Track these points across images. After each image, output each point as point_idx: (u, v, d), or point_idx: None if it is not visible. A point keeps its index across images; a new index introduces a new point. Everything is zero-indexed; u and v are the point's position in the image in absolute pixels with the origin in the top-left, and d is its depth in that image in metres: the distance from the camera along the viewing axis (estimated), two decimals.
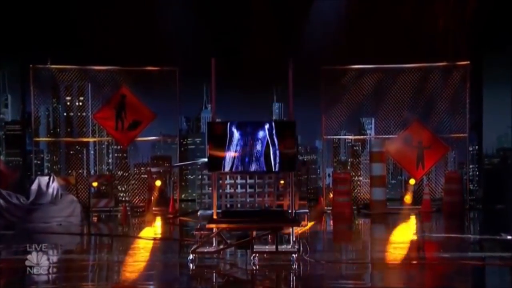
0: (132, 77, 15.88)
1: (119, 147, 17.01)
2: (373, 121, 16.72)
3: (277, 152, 8.15)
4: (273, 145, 8.16)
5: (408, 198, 15.24)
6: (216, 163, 8.22)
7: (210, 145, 8.25)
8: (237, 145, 8.18)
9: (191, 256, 8.23)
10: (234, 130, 8.20)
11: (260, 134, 8.20)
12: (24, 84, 16.00)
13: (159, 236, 12.11)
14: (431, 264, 8.79)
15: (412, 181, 15.63)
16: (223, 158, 8.19)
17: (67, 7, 15.30)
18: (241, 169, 8.19)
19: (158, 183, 15.78)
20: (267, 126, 8.21)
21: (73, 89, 16.44)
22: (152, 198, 15.39)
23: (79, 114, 16.44)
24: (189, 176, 19.14)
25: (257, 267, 8.07)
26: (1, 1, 14.95)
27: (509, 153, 17.28)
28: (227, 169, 8.23)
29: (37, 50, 15.53)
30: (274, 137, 8.17)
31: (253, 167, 8.18)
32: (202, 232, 8.59)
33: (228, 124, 8.23)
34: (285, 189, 8.59)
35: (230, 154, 8.17)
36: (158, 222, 14.15)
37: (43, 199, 13.25)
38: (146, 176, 16.06)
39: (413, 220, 13.91)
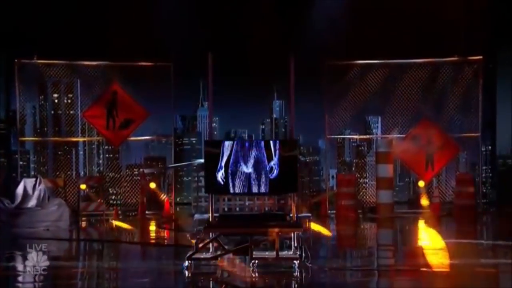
0: (124, 73, 15.87)
1: (110, 147, 16.99)
2: (379, 119, 16.71)
3: (278, 172, 8.16)
4: (273, 164, 8.16)
5: (425, 201, 15.21)
6: (213, 184, 8.23)
7: (206, 164, 8.27)
8: (235, 165, 8.18)
9: (186, 263, 8.22)
10: (232, 148, 8.20)
11: (260, 152, 8.20)
12: (9, 80, 15.98)
13: (153, 241, 12.10)
14: (440, 271, 8.78)
15: (421, 184, 15.61)
16: (221, 179, 8.19)
17: None
18: (240, 191, 8.21)
19: (152, 185, 15.77)
20: (267, 145, 8.21)
21: (61, 86, 16.41)
22: (145, 201, 15.39)
23: (67, 112, 16.42)
24: (185, 178, 19.12)
25: (257, 274, 8.06)
26: None
27: None
28: (225, 190, 8.25)
29: (22, 43, 15.51)
30: (275, 156, 8.18)
31: (253, 188, 8.20)
32: (198, 237, 8.58)
33: (225, 142, 8.24)
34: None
35: (228, 175, 8.17)
36: (152, 226, 14.14)
37: (29, 203, 13.24)
38: (139, 178, 16.05)
39: (421, 224, 13.91)
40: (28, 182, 13.47)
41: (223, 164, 8.24)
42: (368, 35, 15.30)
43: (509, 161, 17.45)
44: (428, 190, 15.79)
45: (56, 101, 16.55)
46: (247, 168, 8.19)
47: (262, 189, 8.22)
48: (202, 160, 8.61)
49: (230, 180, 8.22)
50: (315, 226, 13.13)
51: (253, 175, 8.20)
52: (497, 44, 15.97)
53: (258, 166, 8.21)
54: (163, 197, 15.65)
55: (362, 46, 15.49)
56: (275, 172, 8.21)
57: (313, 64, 15.33)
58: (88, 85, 16.14)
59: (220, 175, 8.22)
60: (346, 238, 12.70)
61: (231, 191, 8.24)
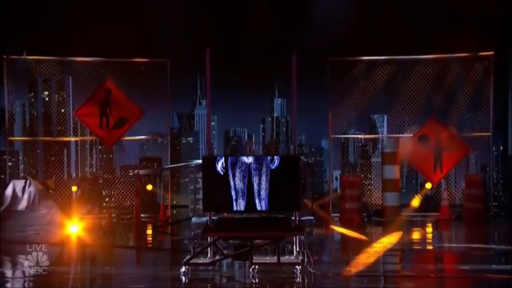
0: (118, 70, 15.87)
1: (103, 147, 16.98)
2: (385, 118, 16.71)
3: (279, 189, 8.14)
4: (275, 181, 8.14)
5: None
6: (212, 202, 8.21)
7: (204, 182, 8.25)
8: (234, 182, 8.16)
9: (183, 269, 8.20)
10: (230, 164, 8.18)
11: (260, 169, 8.18)
12: None
13: (148, 246, 12.08)
14: (450, 278, 8.77)
15: (428, 185, 15.60)
16: (219, 197, 8.17)
17: None
18: (240, 209, 8.19)
19: (149, 187, 15.79)
20: (268, 161, 8.19)
21: (52, 83, 16.41)
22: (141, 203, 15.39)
23: (58, 110, 16.41)
24: (182, 180, 19.11)
25: (257, 280, 8.04)
26: None
27: None
28: (224, 209, 8.23)
29: (11, 38, 15.49)
30: (276, 173, 8.16)
31: (255, 206, 8.16)
32: (195, 241, 8.56)
33: (223, 158, 8.22)
34: None
35: (227, 192, 8.14)
36: (147, 230, 14.14)
37: (18, 205, 13.22)
38: (133, 179, 16.04)
39: (429, 228, 13.90)
40: (18, 184, 13.44)
41: (222, 181, 8.18)
42: (373, 30, 15.30)
43: None
44: (436, 192, 15.79)
45: (46, 99, 16.55)
46: (248, 186, 8.16)
47: (263, 207, 8.19)
48: (199, 161, 8.60)
49: (230, 199, 8.18)
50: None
51: (254, 194, 8.15)
52: (509, 38, 15.94)
53: (259, 183, 8.17)
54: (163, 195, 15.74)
55: (368, 41, 15.48)
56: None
57: (316, 60, 15.32)
58: (81, 82, 16.13)
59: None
60: (350, 242, 12.68)
61: (234, 208, 8.20)
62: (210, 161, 8.26)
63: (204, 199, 8.31)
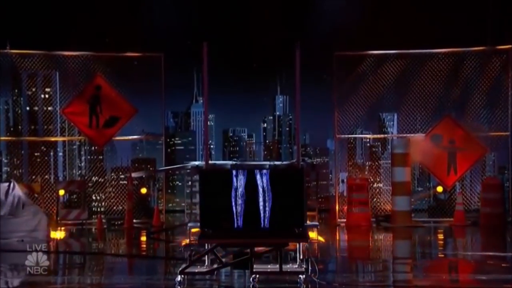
0: (109, 65, 15.87)
1: (93, 148, 16.99)
2: (395, 117, 16.70)
3: (280, 205, 8.12)
4: (276, 196, 8.12)
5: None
6: (210, 219, 8.19)
7: (201, 197, 8.24)
8: (234, 197, 8.14)
9: (179, 278, 8.19)
10: (229, 177, 8.16)
11: (261, 182, 8.16)
12: None
13: (141, 253, 12.08)
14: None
15: (439, 189, 15.62)
16: (218, 213, 8.15)
17: None
18: (240, 226, 8.17)
19: (143, 190, 15.79)
20: (269, 172, 8.16)
21: (37, 79, 16.41)
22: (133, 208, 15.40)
23: (45, 108, 16.41)
24: (177, 183, 19.11)
25: None
26: None
27: None
28: (224, 226, 8.21)
29: None
30: (278, 186, 8.13)
31: (255, 224, 8.14)
32: (192, 249, 8.55)
33: (221, 171, 8.21)
34: None
35: (226, 209, 8.12)
36: (140, 236, 14.14)
37: (1, 211, 13.20)
38: (125, 182, 16.04)
39: (443, 235, 13.90)
40: (1, 188, 13.43)
41: (220, 196, 8.15)
42: (383, 22, 15.28)
43: None
44: (450, 197, 15.78)
45: (32, 96, 16.55)
46: (248, 202, 8.12)
47: (264, 225, 8.18)
48: (196, 163, 8.57)
49: (229, 215, 8.16)
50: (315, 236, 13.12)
51: (254, 210, 8.13)
52: None
53: (260, 198, 8.15)
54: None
55: (376, 34, 15.47)
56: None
57: (321, 55, 15.33)
58: (69, 78, 16.13)
59: (216, 208, 8.16)
60: (357, 249, 12.69)
61: (235, 225, 8.18)
62: (208, 174, 8.24)
63: (201, 216, 8.28)
